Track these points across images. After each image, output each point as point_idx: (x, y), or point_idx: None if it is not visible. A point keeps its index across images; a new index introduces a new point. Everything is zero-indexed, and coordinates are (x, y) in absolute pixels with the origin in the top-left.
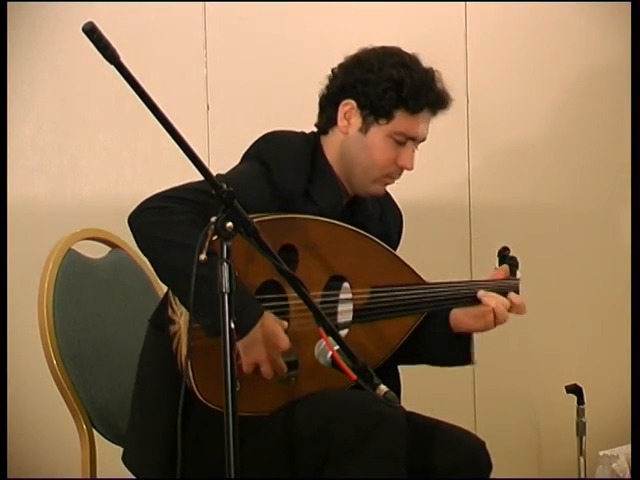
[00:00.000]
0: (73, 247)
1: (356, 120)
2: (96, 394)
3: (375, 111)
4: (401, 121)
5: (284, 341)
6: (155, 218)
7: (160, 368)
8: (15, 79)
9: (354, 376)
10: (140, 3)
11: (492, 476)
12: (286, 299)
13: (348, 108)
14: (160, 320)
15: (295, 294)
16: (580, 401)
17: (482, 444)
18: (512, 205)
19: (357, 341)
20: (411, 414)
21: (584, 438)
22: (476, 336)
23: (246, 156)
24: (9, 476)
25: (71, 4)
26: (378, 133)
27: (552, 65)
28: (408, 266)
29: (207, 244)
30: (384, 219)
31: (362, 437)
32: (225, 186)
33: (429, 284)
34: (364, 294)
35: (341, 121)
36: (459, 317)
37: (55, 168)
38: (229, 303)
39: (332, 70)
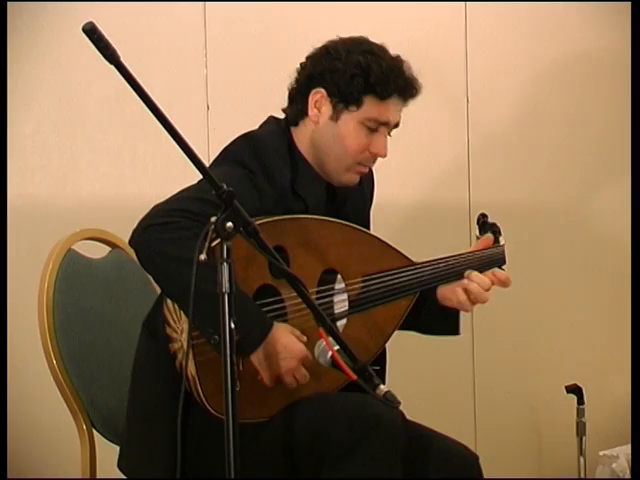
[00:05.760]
0: (73, 247)
1: (326, 108)
2: (96, 394)
3: (344, 98)
4: (371, 107)
5: (301, 351)
6: (161, 235)
7: (158, 375)
8: (15, 79)
9: (354, 376)
10: (140, 3)
11: (492, 476)
12: (282, 301)
13: (318, 97)
14: (155, 327)
15: (290, 294)
16: (580, 401)
17: (476, 458)
18: (512, 205)
19: (355, 334)
20: (406, 422)
21: (584, 438)
22: (477, 335)
23: (223, 158)
24: (9, 476)
25: (71, 4)
26: (350, 120)
27: (552, 65)
28: (395, 249)
29: (207, 244)
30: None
31: (358, 439)
32: (225, 186)
33: (417, 264)
34: (357, 284)
35: (312, 110)
36: (444, 291)
37: (55, 168)
38: (229, 303)
39: (300, 63)
